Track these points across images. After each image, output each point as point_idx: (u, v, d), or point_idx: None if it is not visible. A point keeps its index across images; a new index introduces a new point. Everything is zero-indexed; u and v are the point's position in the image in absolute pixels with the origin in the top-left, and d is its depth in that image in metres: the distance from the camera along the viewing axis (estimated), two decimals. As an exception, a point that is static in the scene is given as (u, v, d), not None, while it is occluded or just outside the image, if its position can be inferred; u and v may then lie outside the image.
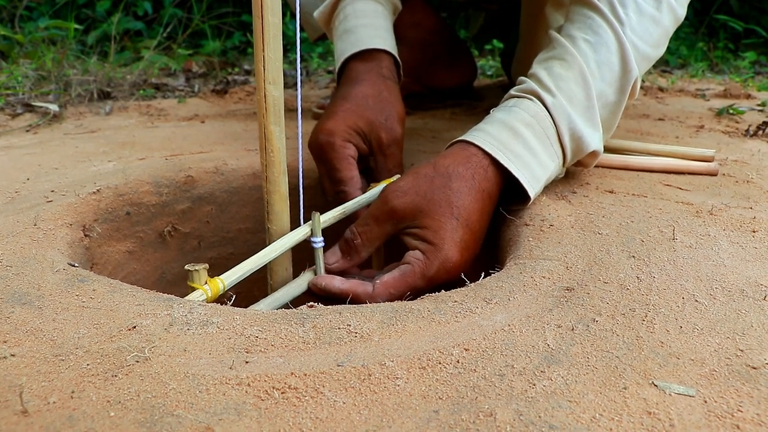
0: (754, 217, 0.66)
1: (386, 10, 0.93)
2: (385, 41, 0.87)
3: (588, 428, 0.34)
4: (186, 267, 0.52)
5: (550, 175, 0.70)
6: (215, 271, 0.57)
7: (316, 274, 0.64)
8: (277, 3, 0.53)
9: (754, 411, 0.36)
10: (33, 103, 1.31)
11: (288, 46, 2.38)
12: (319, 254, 0.64)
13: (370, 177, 0.82)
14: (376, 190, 0.74)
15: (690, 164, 0.85)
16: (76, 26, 1.88)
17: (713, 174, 0.84)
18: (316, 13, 0.97)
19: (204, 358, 0.40)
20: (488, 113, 0.73)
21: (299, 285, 0.63)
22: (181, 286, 0.84)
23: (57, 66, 1.51)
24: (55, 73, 1.47)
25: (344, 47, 0.87)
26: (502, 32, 1.73)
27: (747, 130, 1.12)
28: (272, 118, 0.57)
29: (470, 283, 0.52)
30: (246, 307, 0.52)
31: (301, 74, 1.95)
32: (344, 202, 0.73)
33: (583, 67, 0.70)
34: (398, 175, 0.79)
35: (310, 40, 1.40)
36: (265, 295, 0.62)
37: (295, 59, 2.20)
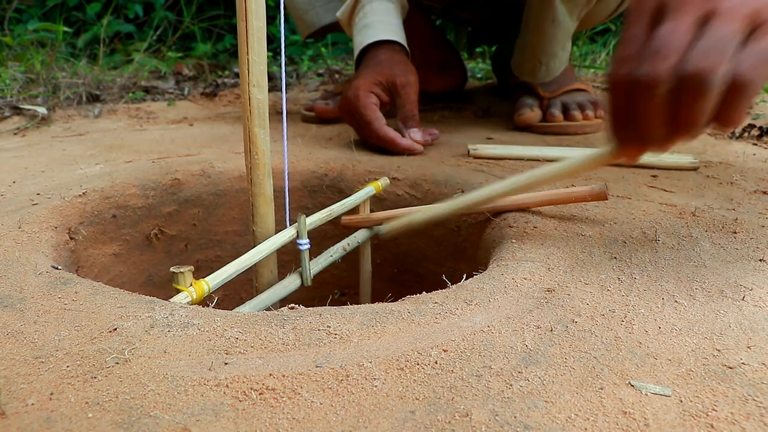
0: (736, 219, 0.66)
1: (397, 8, 1.11)
2: (396, 34, 1.06)
3: (563, 428, 0.34)
4: (171, 269, 0.52)
5: None
6: (202, 273, 0.57)
7: (302, 277, 0.65)
8: (262, 7, 0.54)
9: (729, 410, 0.36)
10: (21, 106, 1.30)
11: (279, 49, 2.38)
12: (305, 256, 0.64)
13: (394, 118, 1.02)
14: (364, 191, 0.74)
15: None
16: (66, 29, 1.88)
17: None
18: (338, 14, 1.15)
19: (183, 359, 0.40)
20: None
21: (285, 287, 0.63)
22: (167, 288, 0.84)
23: (46, 68, 1.51)
24: (43, 76, 1.46)
25: (362, 39, 1.06)
26: (490, 39, 1.74)
27: (732, 132, 1.13)
28: (257, 121, 0.57)
29: (452, 284, 0.53)
30: (232, 309, 0.52)
31: (291, 77, 1.95)
32: (375, 141, 0.97)
33: None
34: (386, 179, 0.79)
35: (302, 37, 1.42)
36: (251, 297, 0.62)
37: (286, 62, 2.20)
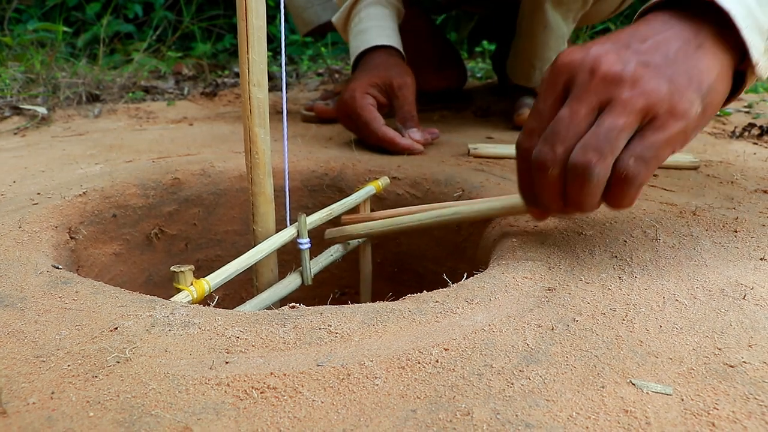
0: (737, 218, 0.66)
1: (393, 13, 1.11)
2: (391, 38, 1.06)
3: (564, 427, 0.34)
4: (172, 268, 0.52)
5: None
6: (202, 272, 0.57)
7: (302, 276, 0.65)
8: (262, 6, 0.54)
9: (730, 409, 0.36)
10: (21, 106, 1.30)
11: (279, 48, 2.38)
12: (306, 256, 0.64)
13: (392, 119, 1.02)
14: (364, 190, 0.74)
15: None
16: (66, 29, 1.88)
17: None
18: (334, 19, 1.15)
19: (184, 358, 0.40)
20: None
21: (285, 287, 0.63)
22: (168, 288, 0.84)
23: (46, 68, 1.51)
24: (43, 76, 1.46)
25: (358, 44, 1.06)
26: (492, 34, 1.74)
27: (733, 132, 1.13)
28: (257, 121, 0.57)
29: (452, 283, 0.53)
30: (232, 308, 0.52)
31: (291, 77, 1.95)
32: (374, 141, 0.97)
33: None
34: (386, 178, 0.79)
35: (300, 35, 1.42)
36: (252, 296, 0.62)
37: (286, 61, 2.20)
